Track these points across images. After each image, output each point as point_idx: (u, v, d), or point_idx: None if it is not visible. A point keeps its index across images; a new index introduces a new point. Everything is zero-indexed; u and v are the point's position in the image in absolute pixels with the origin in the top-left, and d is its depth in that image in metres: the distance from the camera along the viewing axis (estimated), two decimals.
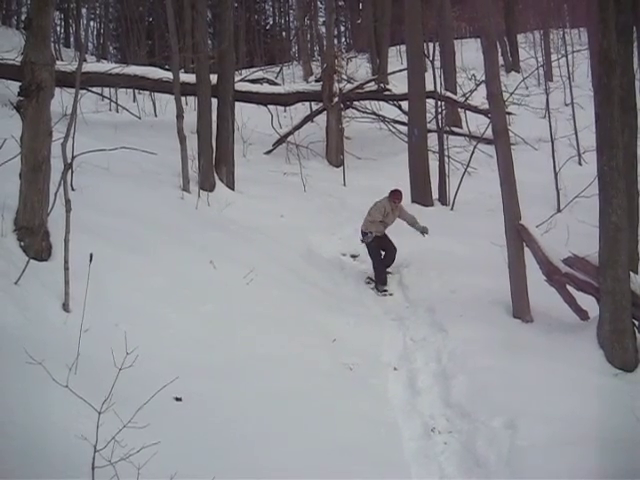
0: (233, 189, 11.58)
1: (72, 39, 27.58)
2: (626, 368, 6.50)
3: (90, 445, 2.84)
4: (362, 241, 9.48)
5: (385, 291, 9.06)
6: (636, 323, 6.85)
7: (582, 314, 7.52)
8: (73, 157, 6.55)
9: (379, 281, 9.16)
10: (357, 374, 6.40)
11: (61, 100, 10.06)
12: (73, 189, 7.98)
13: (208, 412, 4.69)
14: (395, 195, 9.44)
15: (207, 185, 10.86)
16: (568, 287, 7.61)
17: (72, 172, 7.90)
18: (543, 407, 5.59)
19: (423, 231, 9.43)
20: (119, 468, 3.15)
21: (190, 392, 4.79)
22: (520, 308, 7.72)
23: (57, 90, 7.62)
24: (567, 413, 5.44)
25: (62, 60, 16.38)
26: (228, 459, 4.14)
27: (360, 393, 6.05)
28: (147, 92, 16.36)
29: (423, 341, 7.35)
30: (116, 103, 16.32)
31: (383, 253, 9.50)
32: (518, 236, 7.85)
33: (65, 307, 5.53)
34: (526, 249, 7.91)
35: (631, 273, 6.87)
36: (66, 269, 5.57)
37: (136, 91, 17.20)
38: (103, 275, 5.89)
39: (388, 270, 9.45)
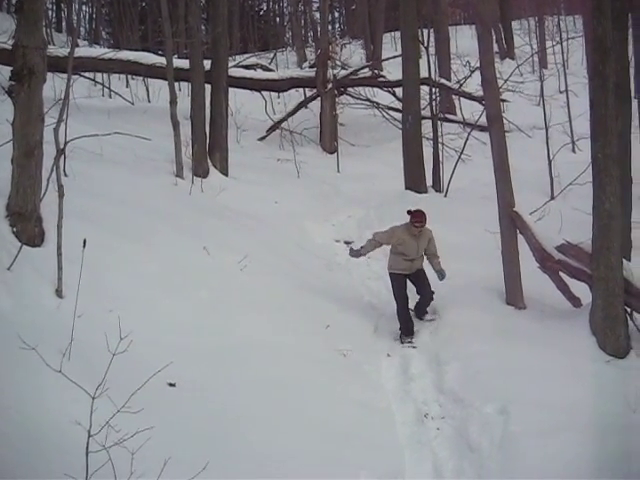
0: (227, 175, 11.53)
1: (64, 23, 27.33)
2: (618, 355, 6.54)
3: (84, 430, 2.84)
4: (351, 254, 8.10)
5: (410, 342, 7.25)
6: (628, 310, 6.89)
7: (575, 301, 7.55)
8: (66, 142, 6.50)
9: (402, 330, 7.36)
10: (351, 360, 6.42)
11: (53, 85, 9.98)
12: (66, 175, 7.94)
13: (202, 397, 4.70)
14: (416, 217, 7.49)
15: (201, 171, 10.82)
16: (561, 274, 7.63)
17: (65, 158, 7.86)
18: (536, 393, 5.62)
19: (441, 273, 7.64)
20: (113, 453, 3.15)
21: (184, 378, 4.80)
22: (513, 295, 7.75)
23: (49, 75, 7.57)
24: (559, 399, 5.47)
25: (54, 45, 16.24)
26: (222, 444, 4.15)
27: (354, 379, 6.07)
28: (140, 78, 16.23)
29: (416, 327, 7.37)
30: (109, 89, 16.21)
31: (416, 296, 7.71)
32: (512, 223, 7.86)
33: (58, 293, 5.51)
34: (519, 236, 7.92)
35: (624, 260, 6.89)
36: (59, 255, 5.55)
37: (129, 77, 17.06)
38: (96, 261, 5.87)
39: (424, 317, 7.68)
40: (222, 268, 7.31)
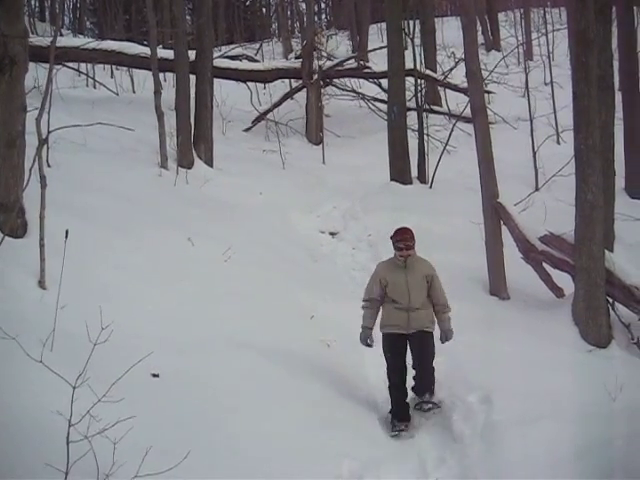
0: (212, 166, 11.50)
1: (47, 13, 27.05)
2: (600, 344, 6.61)
3: (65, 420, 2.84)
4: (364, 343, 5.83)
5: (401, 430, 5.46)
6: (610, 300, 6.95)
7: (558, 291, 7.62)
8: (49, 132, 6.45)
9: (394, 413, 5.55)
10: (335, 351, 6.44)
11: (36, 75, 9.89)
12: (49, 165, 7.89)
13: (184, 388, 4.70)
14: (399, 235, 5.69)
15: (185, 162, 10.78)
16: (544, 265, 7.70)
17: (48, 148, 7.81)
18: (518, 382, 5.66)
19: (446, 335, 5.73)
20: (94, 443, 3.15)
21: (167, 368, 4.79)
22: (497, 285, 7.81)
23: (31, 65, 7.48)
24: (541, 388, 5.52)
25: (37, 34, 16.09)
26: (204, 435, 4.16)
27: (338, 369, 6.08)
28: (125, 68, 16.12)
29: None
30: (93, 79, 16.08)
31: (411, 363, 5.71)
32: (495, 214, 7.91)
33: (41, 284, 5.48)
34: (503, 227, 7.97)
35: (606, 251, 6.96)
36: (42, 246, 5.51)
37: (114, 67, 16.94)
38: (79, 252, 5.84)
39: (423, 403, 5.61)
40: (206, 259, 7.30)
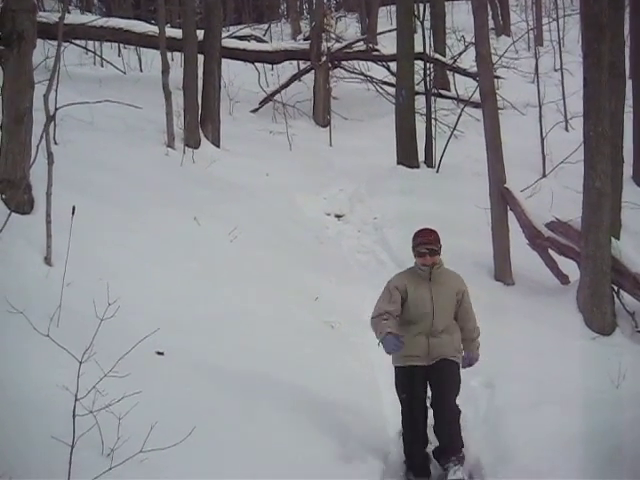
0: (219, 147, 11.48)
1: None
2: (604, 332, 6.63)
3: (71, 395, 2.86)
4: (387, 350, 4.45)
5: None
6: (615, 288, 6.95)
7: (563, 278, 7.61)
8: (56, 109, 6.44)
9: (408, 464, 4.51)
10: (339, 332, 6.46)
11: (44, 52, 9.84)
12: (56, 143, 7.88)
13: (190, 365, 4.72)
14: (421, 236, 4.48)
15: (192, 142, 10.75)
16: (550, 251, 7.68)
17: (55, 125, 7.78)
18: (521, 368, 5.68)
19: (469, 361, 4.70)
20: (99, 418, 3.18)
21: (172, 346, 4.81)
22: (502, 271, 7.80)
23: (39, 42, 7.45)
24: (544, 374, 5.54)
25: (44, 10, 16.00)
26: (209, 411, 4.18)
27: (341, 351, 6.10)
28: (132, 47, 16.06)
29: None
30: (100, 57, 16.03)
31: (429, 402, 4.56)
32: (502, 199, 7.89)
33: (47, 261, 5.49)
34: (510, 213, 7.95)
35: (612, 239, 6.94)
36: (48, 222, 5.52)
37: (121, 45, 16.86)
38: (86, 230, 5.85)
39: (447, 468, 4.35)
40: (212, 239, 7.31)
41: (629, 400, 5.05)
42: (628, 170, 10.11)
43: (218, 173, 10.03)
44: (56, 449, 2.99)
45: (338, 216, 10.37)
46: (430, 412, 4.53)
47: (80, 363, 2.86)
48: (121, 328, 4.16)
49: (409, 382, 4.45)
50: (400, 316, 4.43)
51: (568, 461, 4.38)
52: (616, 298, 6.93)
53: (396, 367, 4.58)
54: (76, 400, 2.81)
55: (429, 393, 4.55)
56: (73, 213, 4.92)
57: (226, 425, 4.18)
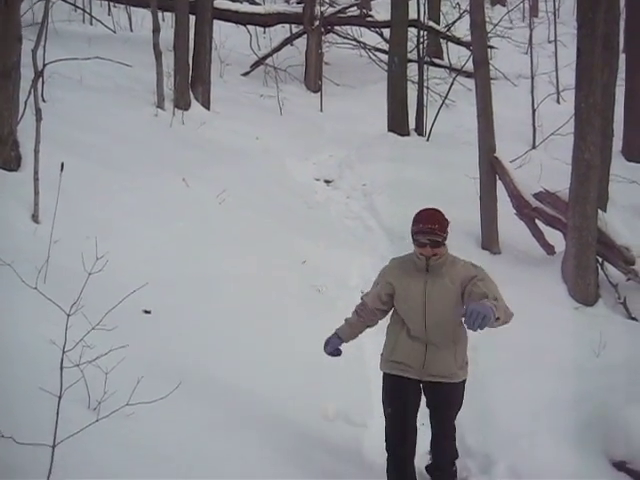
0: (209, 109, 11.38)
1: None
2: (587, 302, 6.69)
3: (58, 348, 2.88)
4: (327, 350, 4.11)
5: None
6: (600, 260, 7.02)
7: (549, 248, 7.67)
8: (44, 65, 6.36)
9: None
10: (325, 296, 6.49)
11: (32, 9, 9.68)
12: (44, 100, 7.80)
13: (176, 323, 4.77)
14: (423, 221, 3.67)
15: (182, 103, 10.66)
16: (537, 221, 7.73)
17: (43, 82, 7.70)
18: (504, 335, 5.66)
19: (477, 316, 3.24)
20: (87, 371, 3.21)
21: (159, 305, 4.85)
22: (489, 239, 7.84)
23: None
24: (526, 342, 5.61)
25: None
26: (195, 367, 4.23)
27: (328, 314, 6.12)
28: (122, 5, 15.80)
29: None
30: (90, 14, 15.76)
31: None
32: (491, 168, 7.90)
33: (35, 218, 5.48)
34: (498, 182, 7.97)
35: (599, 211, 6.98)
36: (36, 180, 5.49)
37: (111, 4, 16.58)
38: (74, 189, 5.83)
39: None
40: (201, 200, 7.30)
41: (608, 368, 5.15)
42: (618, 144, 10.14)
43: (208, 135, 9.97)
44: (43, 401, 3.01)
45: (327, 181, 10.36)
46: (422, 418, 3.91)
47: (68, 316, 2.87)
48: (109, 284, 4.17)
49: (397, 396, 3.72)
50: (394, 313, 3.84)
51: (547, 424, 4.49)
52: (600, 270, 7.00)
53: (384, 374, 3.82)
54: (63, 352, 2.83)
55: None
56: (62, 170, 4.89)
57: (212, 380, 4.23)
